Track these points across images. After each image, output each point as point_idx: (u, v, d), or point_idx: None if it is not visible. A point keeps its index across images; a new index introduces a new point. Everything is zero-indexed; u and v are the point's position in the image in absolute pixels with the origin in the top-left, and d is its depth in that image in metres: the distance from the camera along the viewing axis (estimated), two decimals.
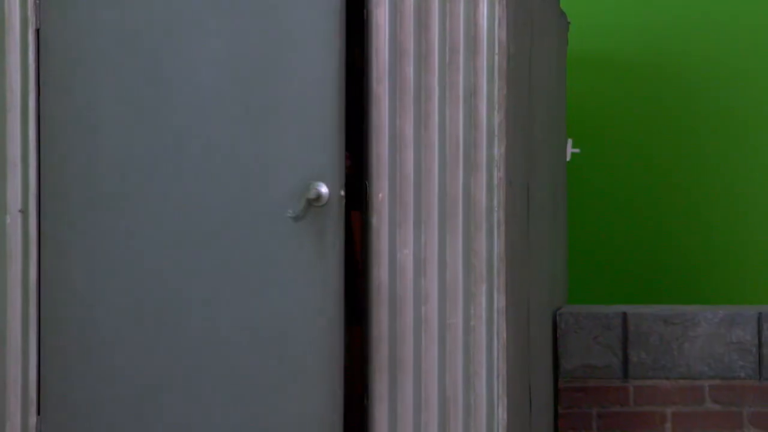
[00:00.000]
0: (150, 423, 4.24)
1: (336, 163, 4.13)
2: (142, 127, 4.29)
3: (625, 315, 5.34)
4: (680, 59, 6.22)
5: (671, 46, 6.21)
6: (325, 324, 4.16)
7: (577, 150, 6.05)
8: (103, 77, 4.30)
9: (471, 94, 4.31)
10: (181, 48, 4.28)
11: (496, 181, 4.29)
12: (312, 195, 4.09)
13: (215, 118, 4.25)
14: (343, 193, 4.09)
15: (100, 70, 4.30)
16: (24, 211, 4.31)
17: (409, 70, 4.30)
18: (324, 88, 4.19)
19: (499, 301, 4.29)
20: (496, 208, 4.29)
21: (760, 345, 5.30)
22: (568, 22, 5.81)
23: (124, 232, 4.27)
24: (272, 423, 4.18)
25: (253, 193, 4.20)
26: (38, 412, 4.31)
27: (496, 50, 4.30)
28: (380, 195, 4.31)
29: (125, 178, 4.27)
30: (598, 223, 6.24)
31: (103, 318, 4.29)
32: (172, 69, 4.28)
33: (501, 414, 4.28)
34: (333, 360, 4.16)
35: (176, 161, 4.27)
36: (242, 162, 4.23)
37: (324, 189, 4.11)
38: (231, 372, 4.19)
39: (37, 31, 4.30)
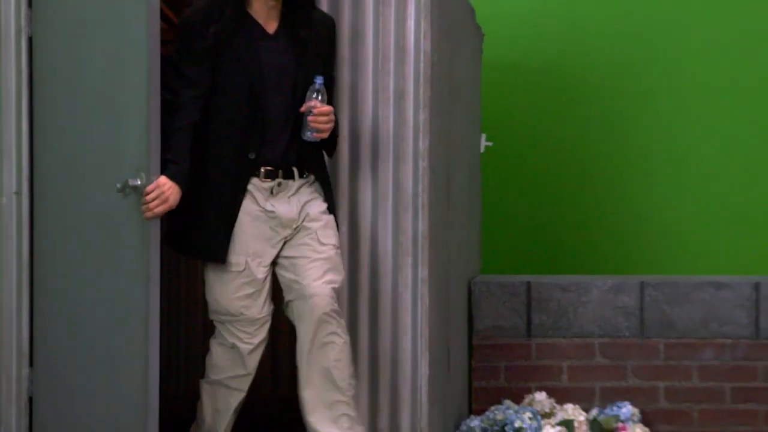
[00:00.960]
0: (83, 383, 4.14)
1: (149, 158, 3.91)
2: (66, 124, 4.20)
3: (529, 284, 5.35)
4: (578, 65, 6.18)
5: (571, 54, 6.17)
6: (142, 275, 3.93)
7: (490, 143, 6.10)
8: (73, 77, 4.18)
9: (400, 95, 4.30)
10: (86, 48, 4.14)
11: (421, 171, 4.28)
12: (131, 185, 3.92)
13: (96, 113, 4.10)
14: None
15: (73, 71, 4.19)
16: (18, 193, 4.24)
17: (347, 75, 4.30)
18: (137, 91, 3.95)
19: (423, 272, 4.29)
20: (420, 193, 4.30)
21: (641, 309, 5.30)
22: (483, 34, 5.81)
23: (68, 214, 4.20)
24: (110, 365, 4.06)
25: (106, 179, 4.02)
26: (30, 365, 4.25)
27: (422, 59, 4.29)
28: None
29: (66, 171, 4.19)
30: (507, 205, 6.20)
31: (67, 283, 4.20)
32: (82, 68, 4.15)
33: (423, 367, 4.29)
34: (148, 303, 3.92)
35: (76, 154, 4.16)
36: (101, 153, 4.07)
37: (137, 182, 3.90)
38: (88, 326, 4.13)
39: (30, 38, 4.24)
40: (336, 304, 3.99)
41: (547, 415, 5.09)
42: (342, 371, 4.00)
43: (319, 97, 3.96)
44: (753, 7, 6.10)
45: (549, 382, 5.27)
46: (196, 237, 4.03)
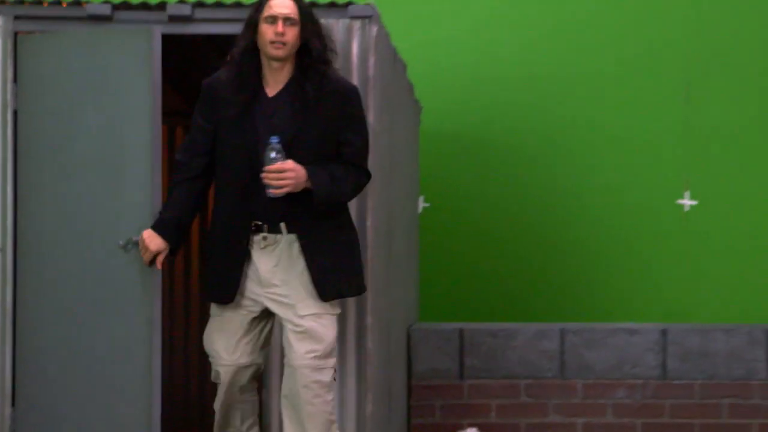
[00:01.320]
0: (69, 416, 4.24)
1: (149, 217, 4.13)
2: (52, 188, 4.27)
3: (461, 330, 5.43)
4: (505, 133, 6.27)
5: (499, 124, 6.25)
6: (144, 319, 4.15)
7: (427, 204, 6.24)
8: (63, 147, 4.28)
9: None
10: (82, 123, 4.23)
11: (366, 229, 4.28)
12: (133, 241, 4.13)
13: (96, 176, 4.23)
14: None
15: (62, 141, 4.27)
16: (3, 250, 4.26)
17: None
18: (138, 157, 4.16)
19: (366, 320, 4.32)
20: (365, 250, 4.26)
21: (562, 353, 5.40)
22: (421, 107, 5.95)
23: (57, 266, 4.28)
24: (118, 377, 4.21)
25: (107, 236, 4.21)
26: (12, 405, 4.27)
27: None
28: None
29: (54, 229, 4.30)
30: (442, 260, 6.26)
31: (55, 329, 4.25)
32: (73, 137, 4.23)
33: (368, 406, 4.32)
34: (151, 344, 4.15)
35: (70, 214, 4.27)
36: (106, 214, 4.22)
37: (137, 238, 4.13)
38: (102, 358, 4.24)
39: (15, 112, 4.30)
40: (317, 373, 3.97)
41: None
42: (316, 428, 4.00)
43: (275, 155, 3.88)
44: (668, 75, 6.27)
45: (480, 419, 5.37)
46: (203, 281, 4.22)
